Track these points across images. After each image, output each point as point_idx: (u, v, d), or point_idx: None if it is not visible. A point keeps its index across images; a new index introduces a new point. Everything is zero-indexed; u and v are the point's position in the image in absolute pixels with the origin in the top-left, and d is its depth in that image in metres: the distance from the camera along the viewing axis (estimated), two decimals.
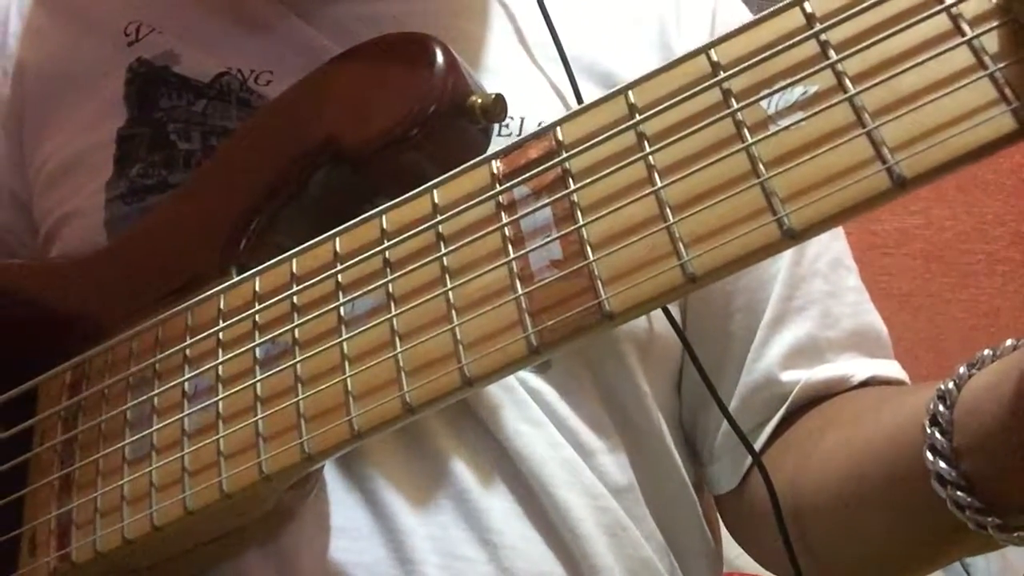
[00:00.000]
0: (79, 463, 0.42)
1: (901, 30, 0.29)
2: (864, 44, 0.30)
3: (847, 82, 0.30)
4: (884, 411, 0.42)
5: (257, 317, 0.39)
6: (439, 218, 0.36)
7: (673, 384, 0.52)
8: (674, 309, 0.48)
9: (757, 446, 0.48)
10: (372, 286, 0.37)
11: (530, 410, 0.45)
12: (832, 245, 0.53)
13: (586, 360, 0.47)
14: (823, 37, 0.31)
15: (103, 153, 0.50)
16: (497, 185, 0.36)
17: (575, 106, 0.36)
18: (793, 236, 0.30)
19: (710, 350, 0.50)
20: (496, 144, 0.38)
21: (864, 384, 0.49)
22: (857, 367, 0.49)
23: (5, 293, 0.51)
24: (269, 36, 0.50)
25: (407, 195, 0.38)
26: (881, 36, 0.30)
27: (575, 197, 0.34)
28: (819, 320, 0.50)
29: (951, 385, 0.35)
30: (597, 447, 0.47)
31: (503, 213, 0.35)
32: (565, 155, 0.34)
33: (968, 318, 1.49)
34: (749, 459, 0.48)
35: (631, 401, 0.48)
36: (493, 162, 0.36)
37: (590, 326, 0.32)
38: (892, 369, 0.51)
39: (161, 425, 0.40)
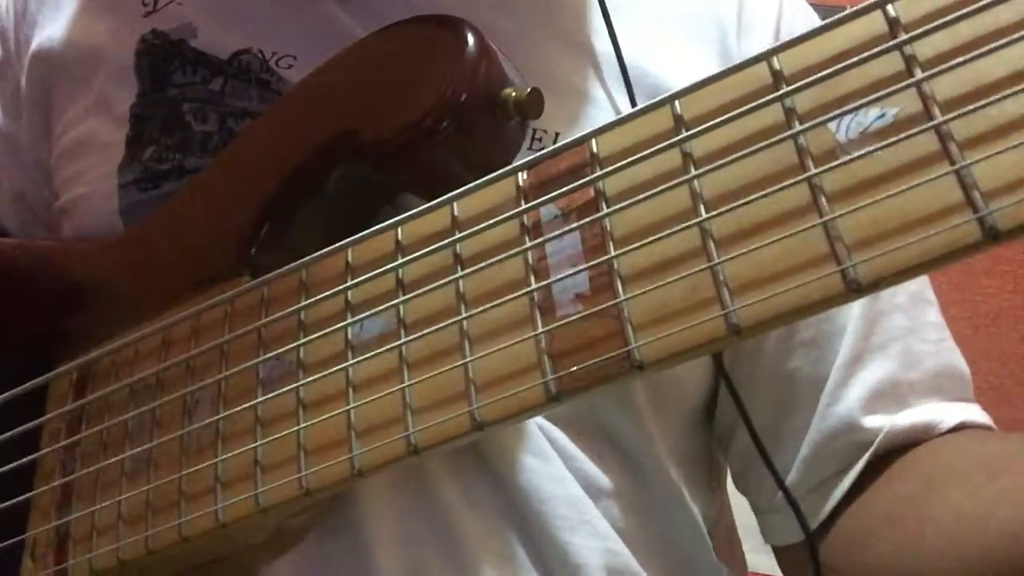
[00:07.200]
0: (79, 471, 0.40)
1: (1003, 45, 0.24)
2: (959, 60, 0.25)
3: (935, 108, 0.25)
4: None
5: (263, 330, 0.36)
6: (457, 236, 0.32)
7: (688, 423, 0.46)
8: None
9: (838, 495, 0.43)
10: (383, 306, 0.33)
11: (536, 442, 0.41)
12: None
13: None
14: (908, 50, 0.26)
15: (116, 131, 0.47)
16: (523, 200, 0.32)
17: None
18: (859, 290, 0.25)
19: (765, 389, 0.45)
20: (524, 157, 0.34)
21: (952, 430, 0.43)
22: (943, 412, 0.44)
23: (24, 273, 0.49)
24: (295, 16, 0.46)
25: (425, 206, 0.34)
26: (981, 51, 0.25)
27: (607, 223, 0.30)
28: (901, 360, 0.44)
29: None
30: (605, 486, 0.43)
31: (526, 234, 0.31)
32: (600, 172, 0.30)
33: (968, 318, 1.41)
34: (823, 513, 0.43)
35: (636, 444, 0.44)
36: (520, 174, 0.32)
37: (616, 375, 0.28)
38: (977, 413, 0.45)
39: (161, 440, 0.37)
